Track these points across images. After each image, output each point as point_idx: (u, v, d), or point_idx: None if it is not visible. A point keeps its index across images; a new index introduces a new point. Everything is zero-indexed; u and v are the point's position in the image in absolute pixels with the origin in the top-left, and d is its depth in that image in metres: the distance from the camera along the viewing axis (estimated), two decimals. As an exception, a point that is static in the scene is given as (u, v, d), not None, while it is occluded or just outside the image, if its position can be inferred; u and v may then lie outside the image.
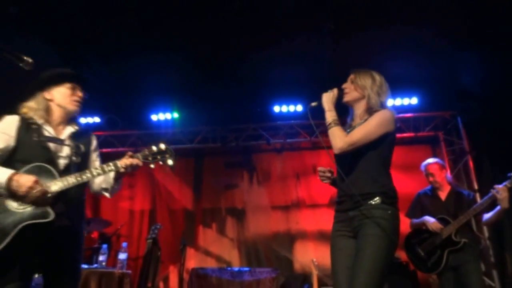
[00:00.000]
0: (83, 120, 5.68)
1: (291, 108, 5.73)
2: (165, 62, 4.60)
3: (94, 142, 2.31)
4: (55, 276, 1.97)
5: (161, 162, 2.10)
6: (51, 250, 1.93)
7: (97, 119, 5.74)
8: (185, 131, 6.14)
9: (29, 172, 1.91)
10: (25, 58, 1.76)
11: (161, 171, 6.43)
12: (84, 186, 2.11)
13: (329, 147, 2.15)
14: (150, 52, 4.42)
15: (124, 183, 6.55)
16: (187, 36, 4.22)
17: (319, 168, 2.27)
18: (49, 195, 1.87)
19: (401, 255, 4.17)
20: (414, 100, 5.50)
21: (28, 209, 1.85)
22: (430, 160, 3.76)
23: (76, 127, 2.19)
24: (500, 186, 3.14)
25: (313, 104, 2.23)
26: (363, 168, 2.03)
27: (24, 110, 2.08)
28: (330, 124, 2.10)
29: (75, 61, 4.30)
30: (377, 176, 2.02)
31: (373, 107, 2.13)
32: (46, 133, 2.06)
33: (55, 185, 1.91)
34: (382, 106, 2.14)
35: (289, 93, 5.43)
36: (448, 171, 3.70)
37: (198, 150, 6.36)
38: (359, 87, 2.18)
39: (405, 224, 3.77)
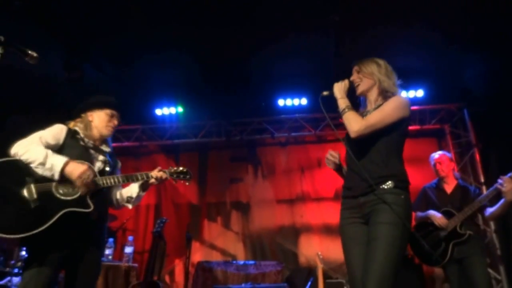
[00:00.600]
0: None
1: (296, 101, 5.71)
2: (169, 57, 4.59)
3: (119, 164, 2.56)
4: (78, 267, 2.12)
5: (182, 181, 2.55)
6: (83, 241, 2.13)
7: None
8: (189, 125, 6.14)
9: None
10: (29, 52, 1.76)
11: (166, 166, 6.44)
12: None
13: (339, 125, 2.13)
14: (154, 47, 4.41)
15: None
16: (191, 31, 4.21)
17: (331, 152, 2.22)
18: (99, 182, 2.14)
19: (407, 248, 4.16)
20: (419, 93, 5.46)
21: (73, 197, 2.05)
22: (439, 152, 3.78)
23: (109, 149, 2.44)
24: (505, 177, 3.11)
25: (325, 93, 2.19)
26: (375, 153, 1.99)
27: (70, 124, 2.36)
28: (344, 109, 2.04)
29: (80, 56, 4.31)
30: (389, 161, 1.97)
31: (388, 90, 2.11)
32: (89, 143, 2.34)
33: (100, 180, 2.16)
34: (394, 87, 2.13)
35: (293, 86, 5.41)
36: (455, 166, 3.68)
37: (203, 144, 6.37)
38: (367, 75, 2.16)
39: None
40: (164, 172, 2.40)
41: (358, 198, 1.98)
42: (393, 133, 1.99)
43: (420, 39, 4.34)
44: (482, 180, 5.21)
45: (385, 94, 2.12)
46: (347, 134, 2.11)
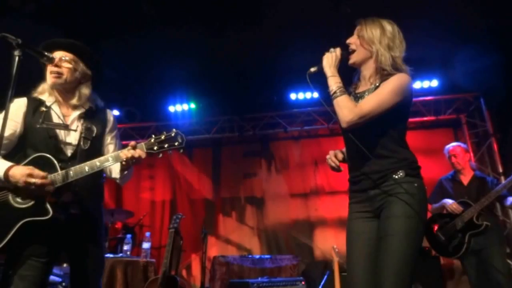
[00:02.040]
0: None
1: (308, 95, 5.68)
2: (181, 54, 4.61)
3: (111, 122, 2.12)
4: (79, 263, 1.96)
5: (169, 152, 1.88)
6: (65, 238, 1.90)
7: (116, 112, 5.84)
8: (202, 121, 6.18)
9: (31, 163, 1.82)
10: (46, 54, 1.80)
11: (180, 162, 6.52)
12: (95, 172, 1.91)
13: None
14: (167, 44, 4.44)
15: (144, 175, 6.74)
16: (203, 27, 4.21)
17: (331, 153, 1.94)
18: (51, 185, 1.78)
19: (423, 240, 4.12)
20: (434, 83, 5.37)
21: (29, 205, 1.78)
22: (453, 143, 3.71)
23: (86, 106, 2.01)
24: None
25: (312, 69, 1.90)
26: (380, 141, 1.75)
27: (35, 92, 1.99)
28: (335, 92, 1.75)
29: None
30: (396, 148, 1.76)
31: (385, 67, 1.77)
32: (54, 117, 1.94)
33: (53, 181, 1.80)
34: (396, 64, 1.79)
35: (305, 80, 5.36)
36: (472, 156, 3.62)
37: (216, 140, 6.41)
38: (365, 42, 1.82)
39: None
40: (140, 147, 1.84)
41: (367, 191, 1.78)
42: (394, 118, 1.76)
43: (434, 28, 4.25)
44: (501, 170, 5.11)
45: (382, 72, 1.80)
46: None
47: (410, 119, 5.97)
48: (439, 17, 4.11)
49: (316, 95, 5.64)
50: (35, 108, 1.92)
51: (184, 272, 5.90)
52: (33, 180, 1.71)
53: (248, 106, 5.96)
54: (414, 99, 5.52)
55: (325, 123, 5.90)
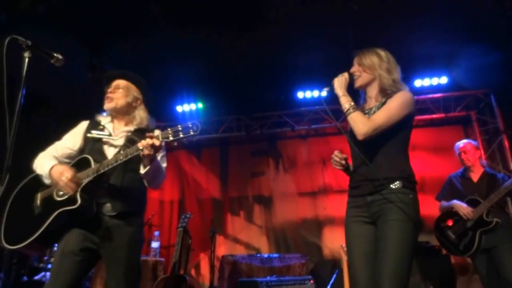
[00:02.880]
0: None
1: (315, 93, 5.66)
2: (189, 54, 4.63)
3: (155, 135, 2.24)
4: (111, 267, 2.04)
5: (185, 141, 1.99)
6: (100, 237, 2.02)
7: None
8: (210, 121, 6.20)
9: (75, 164, 2.08)
10: (55, 55, 1.82)
11: (188, 162, 6.55)
12: (132, 176, 2.11)
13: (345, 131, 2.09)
14: (174, 45, 4.46)
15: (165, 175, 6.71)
16: (210, 28, 4.22)
17: (336, 153, 2.12)
18: (80, 181, 1.98)
19: (433, 239, 4.09)
20: (443, 80, 5.31)
21: (65, 197, 1.98)
22: (464, 140, 3.67)
23: (136, 126, 2.25)
24: None
25: (325, 90, 2.15)
26: (383, 152, 1.94)
27: (97, 116, 2.33)
28: (348, 110, 1.97)
29: (101, 56, 4.40)
30: (397, 160, 1.93)
31: (387, 88, 2.01)
32: (106, 131, 2.23)
33: (85, 174, 2.02)
34: (396, 84, 2.02)
35: (313, 78, 5.36)
36: (482, 154, 3.57)
37: (224, 139, 6.42)
38: (367, 68, 2.07)
39: (436, 208, 3.70)
40: (156, 136, 1.92)
41: (365, 197, 1.95)
42: (399, 130, 1.94)
43: (443, 25, 4.21)
44: (512, 167, 5.04)
45: (385, 92, 2.03)
46: (351, 131, 2.05)
47: (420, 117, 5.98)
48: (448, 14, 4.06)
49: (324, 93, 5.61)
50: (94, 126, 2.25)
51: (193, 271, 5.93)
52: (63, 178, 1.94)
53: (256, 105, 5.96)
54: (423, 97, 5.50)
55: (333, 122, 5.87)
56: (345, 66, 2.19)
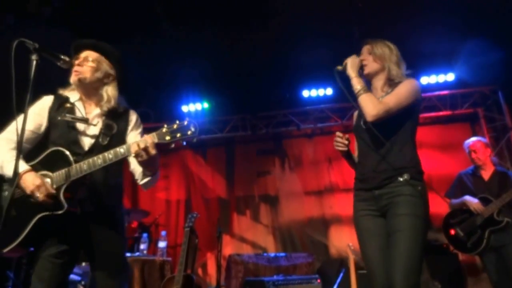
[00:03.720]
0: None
1: (321, 92, 5.64)
2: (194, 54, 4.64)
3: (133, 120, 2.09)
4: (96, 263, 1.93)
5: (182, 141, 1.77)
6: (81, 236, 1.89)
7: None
8: (215, 120, 6.21)
9: (47, 158, 1.85)
10: (62, 57, 1.83)
11: (194, 162, 6.57)
12: (113, 169, 1.93)
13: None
14: (179, 45, 4.47)
15: (159, 174, 6.73)
16: (215, 27, 4.23)
17: (338, 133, 2.07)
18: (54, 191, 1.78)
19: (441, 237, 4.06)
20: (450, 76, 5.27)
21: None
22: (473, 138, 3.63)
23: (109, 106, 1.99)
24: None
25: (340, 67, 2.09)
26: (390, 143, 1.91)
27: (62, 90, 2.03)
28: (359, 91, 1.94)
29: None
30: (404, 151, 1.91)
31: (395, 79, 2.01)
32: (77, 112, 1.96)
33: (66, 175, 1.80)
34: (403, 78, 2.02)
35: (318, 76, 5.34)
36: (491, 151, 3.53)
37: (229, 138, 6.43)
38: (377, 58, 2.06)
39: (443, 205, 3.67)
40: (152, 136, 1.75)
41: (373, 191, 1.93)
42: (406, 120, 1.93)
43: (449, 22, 4.17)
44: (520, 164, 4.99)
45: (390, 83, 2.03)
46: (358, 124, 2.05)
47: (426, 114, 5.94)
48: (454, 10, 4.02)
49: (329, 91, 5.60)
50: (60, 104, 1.97)
51: (200, 271, 5.95)
52: (37, 193, 1.73)
53: (261, 104, 5.95)
54: (430, 94, 5.46)
55: (339, 120, 5.85)
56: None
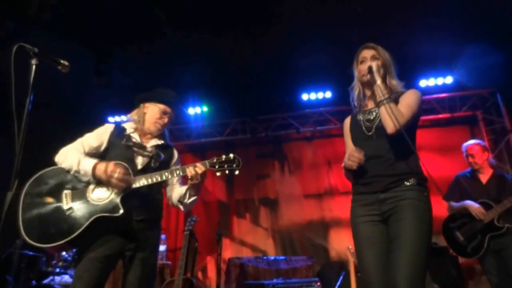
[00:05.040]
0: (117, 119, 5.89)
1: (320, 95, 5.66)
2: (193, 58, 4.66)
3: (175, 157, 2.47)
4: (134, 270, 2.09)
5: (227, 172, 2.19)
6: (128, 241, 2.09)
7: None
8: (215, 124, 6.22)
9: None
10: (62, 61, 1.84)
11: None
12: (156, 187, 2.25)
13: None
14: (179, 49, 4.49)
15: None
16: (214, 31, 4.24)
17: (357, 149, 1.91)
18: (128, 182, 2.04)
19: (441, 240, 4.06)
20: (448, 79, 5.29)
21: (104, 202, 2.04)
22: (472, 141, 3.61)
23: (162, 141, 2.37)
24: None
25: (374, 68, 1.95)
26: (396, 148, 1.88)
27: (122, 123, 2.38)
28: (384, 100, 1.86)
29: (107, 62, 4.44)
30: (410, 157, 1.88)
31: (394, 88, 1.98)
32: (134, 140, 2.29)
33: (133, 179, 2.09)
34: (398, 87, 2.00)
35: (317, 80, 5.36)
36: (490, 154, 3.53)
37: (229, 142, 6.43)
38: (383, 64, 1.99)
39: (442, 208, 3.67)
40: (204, 164, 2.17)
41: (378, 194, 1.87)
42: (410, 127, 1.90)
43: (448, 25, 4.19)
44: (520, 167, 4.99)
45: (390, 90, 1.98)
46: (359, 131, 2.00)
47: (425, 117, 5.94)
48: (453, 13, 4.04)
49: (328, 95, 5.61)
50: (119, 132, 2.31)
51: (199, 274, 5.94)
52: (118, 170, 2.01)
53: (260, 107, 5.97)
54: (429, 97, 5.48)
55: (338, 123, 5.86)
56: (350, 68, 2.17)
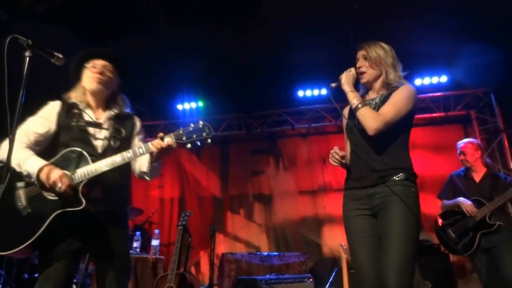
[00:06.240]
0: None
1: (315, 92, 5.67)
2: (189, 52, 4.63)
3: (138, 126, 2.22)
4: (105, 261, 1.96)
5: (198, 142, 1.95)
6: (93, 235, 1.94)
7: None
8: (210, 119, 6.11)
9: (63, 157, 1.91)
10: (56, 54, 1.82)
11: (189, 160, 6.56)
12: (123, 170, 2.04)
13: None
14: (174, 43, 4.46)
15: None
16: (210, 26, 4.22)
17: (336, 149, 2.02)
18: (74, 185, 1.84)
19: (432, 237, 4.10)
20: (443, 78, 5.32)
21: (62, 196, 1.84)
22: (465, 140, 3.65)
23: (116, 111, 2.12)
24: None
25: (333, 84, 2.11)
26: (385, 144, 1.93)
27: (67, 96, 2.09)
28: (357, 105, 1.95)
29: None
30: (400, 152, 1.93)
31: (392, 83, 2.02)
32: (86, 117, 2.04)
33: (85, 173, 1.87)
34: (400, 80, 2.03)
35: (313, 77, 5.36)
36: (482, 152, 3.56)
37: (224, 137, 6.43)
38: (374, 63, 2.04)
39: (436, 206, 3.70)
40: (169, 137, 1.94)
41: (367, 188, 1.92)
42: (402, 124, 1.94)
43: (443, 23, 4.21)
44: (511, 166, 5.04)
45: (389, 85, 2.03)
46: (352, 124, 2.03)
47: (420, 116, 5.98)
48: (449, 13, 4.06)
49: (324, 92, 5.62)
50: (68, 109, 2.04)
51: (192, 269, 5.95)
52: (59, 184, 1.78)
53: (256, 103, 5.97)
54: (423, 95, 5.50)
55: (333, 120, 5.88)
56: (346, 64, 2.18)
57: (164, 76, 5.21)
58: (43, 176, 1.80)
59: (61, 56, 1.85)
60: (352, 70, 2.09)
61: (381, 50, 2.05)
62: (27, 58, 1.63)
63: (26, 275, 4.41)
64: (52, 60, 1.84)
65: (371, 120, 1.89)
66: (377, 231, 1.88)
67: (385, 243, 1.79)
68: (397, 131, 1.93)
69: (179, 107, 6.09)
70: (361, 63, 2.09)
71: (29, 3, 3.45)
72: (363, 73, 2.07)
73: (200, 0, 3.87)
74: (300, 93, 5.70)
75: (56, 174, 1.80)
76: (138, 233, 4.51)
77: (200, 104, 6.04)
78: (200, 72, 5.08)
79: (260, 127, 6.17)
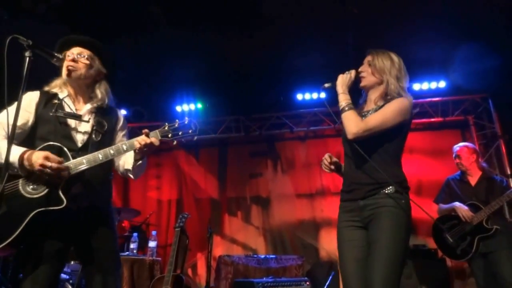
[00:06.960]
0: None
1: (314, 95, 5.68)
2: (188, 54, 4.64)
3: (121, 120, 2.13)
4: (91, 259, 1.88)
5: (183, 139, 1.93)
6: (76, 233, 1.86)
7: (123, 112, 5.89)
8: (209, 121, 6.21)
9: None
10: (56, 54, 1.82)
11: (187, 162, 6.56)
12: (105, 165, 1.92)
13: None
14: (174, 45, 4.47)
15: (151, 174, 6.80)
16: (210, 28, 4.23)
17: (326, 156, 2.11)
18: (66, 171, 1.74)
19: (429, 242, 4.11)
20: (441, 84, 5.34)
21: (41, 194, 1.74)
22: (461, 143, 3.66)
23: (99, 103, 2.00)
24: None
25: (327, 85, 2.12)
26: (377, 156, 1.93)
27: (47, 86, 2.00)
28: (344, 108, 1.96)
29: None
30: (391, 166, 1.93)
31: (391, 94, 1.99)
32: (66, 108, 1.93)
33: (71, 164, 1.78)
34: (400, 92, 1.99)
35: (312, 80, 5.38)
36: (478, 156, 3.57)
37: (222, 140, 6.43)
38: (376, 71, 2.03)
39: (433, 211, 3.71)
40: (154, 134, 1.89)
41: (358, 201, 1.94)
42: (394, 136, 1.93)
43: (442, 29, 4.23)
44: (509, 172, 5.06)
45: (386, 97, 2.01)
46: (345, 132, 2.03)
47: (418, 121, 6.01)
48: (447, 18, 4.08)
49: (323, 95, 5.64)
50: (48, 100, 1.93)
51: (189, 271, 5.94)
52: (49, 163, 1.67)
53: (255, 106, 5.98)
54: (421, 100, 5.53)
55: (332, 124, 5.89)
56: (345, 68, 2.19)
57: (163, 77, 5.22)
58: (26, 162, 1.69)
59: (61, 56, 1.86)
60: (352, 72, 2.09)
61: (388, 61, 2.03)
62: (27, 59, 1.63)
63: (21, 275, 4.38)
64: (53, 61, 1.85)
65: (352, 124, 1.90)
66: (367, 242, 1.90)
67: (372, 253, 1.81)
68: (387, 143, 1.93)
69: (178, 108, 6.08)
70: (364, 68, 2.09)
71: (30, 3, 3.45)
72: (363, 77, 2.08)
73: (199, 3, 3.88)
74: (299, 97, 5.71)
75: (40, 154, 1.69)
76: (135, 234, 4.50)
77: (199, 105, 6.04)
78: (199, 74, 5.09)
79: (259, 129, 6.17)
